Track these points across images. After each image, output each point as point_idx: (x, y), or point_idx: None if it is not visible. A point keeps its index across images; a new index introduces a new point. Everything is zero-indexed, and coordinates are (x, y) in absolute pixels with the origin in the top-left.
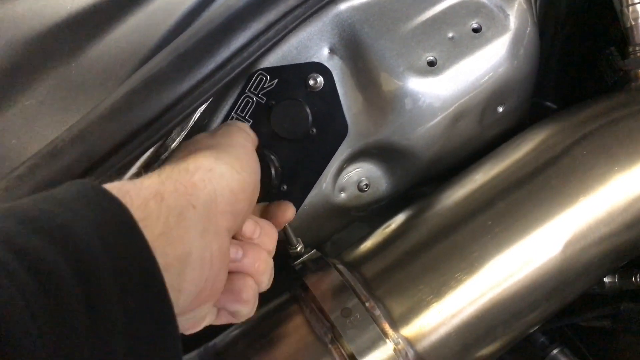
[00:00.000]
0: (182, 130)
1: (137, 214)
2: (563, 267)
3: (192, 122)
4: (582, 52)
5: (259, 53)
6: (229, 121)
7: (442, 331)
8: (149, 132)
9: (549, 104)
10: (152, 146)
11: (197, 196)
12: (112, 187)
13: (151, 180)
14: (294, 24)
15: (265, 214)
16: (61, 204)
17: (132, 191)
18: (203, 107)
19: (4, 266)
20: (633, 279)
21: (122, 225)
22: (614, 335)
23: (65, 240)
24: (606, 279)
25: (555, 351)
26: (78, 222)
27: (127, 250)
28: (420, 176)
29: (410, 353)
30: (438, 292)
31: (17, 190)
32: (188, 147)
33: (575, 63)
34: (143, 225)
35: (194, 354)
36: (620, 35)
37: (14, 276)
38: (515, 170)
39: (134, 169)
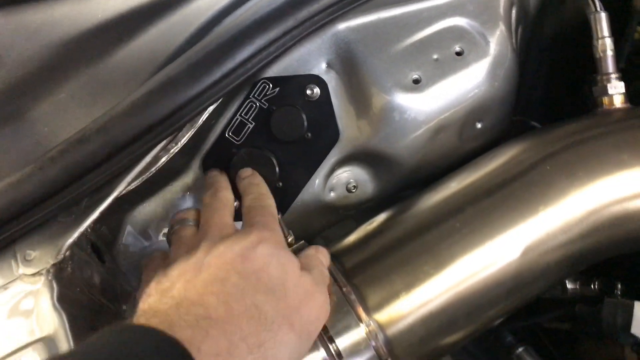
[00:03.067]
0: (191, 127)
1: None
2: (522, 269)
3: (200, 122)
4: (567, 77)
5: (260, 65)
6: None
7: (410, 319)
8: (163, 127)
9: (534, 123)
10: (165, 139)
11: None
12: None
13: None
14: (292, 42)
15: None
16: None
17: None
18: (211, 108)
19: None
20: (592, 286)
21: None
22: (579, 339)
23: None
24: (568, 285)
25: (520, 349)
26: None
27: None
28: (404, 181)
29: (381, 336)
30: (408, 284)
31: (49, 170)
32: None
33: (560, 86)
34: None
35: None
36: None
37: None
38: (486, 181)
39: (148, 158)
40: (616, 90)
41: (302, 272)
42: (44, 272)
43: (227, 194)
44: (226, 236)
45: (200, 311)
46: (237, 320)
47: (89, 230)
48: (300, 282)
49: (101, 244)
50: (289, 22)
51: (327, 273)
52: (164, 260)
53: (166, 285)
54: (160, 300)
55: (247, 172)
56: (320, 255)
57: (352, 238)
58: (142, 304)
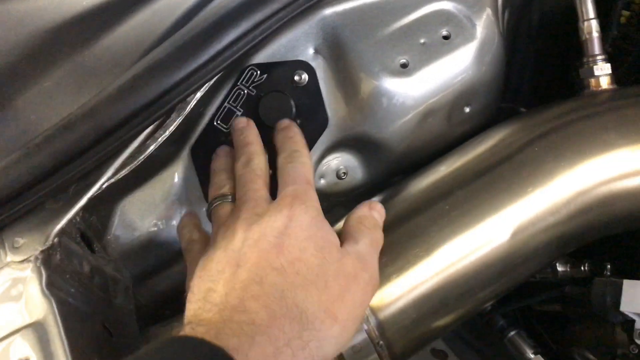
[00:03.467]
0: (179, 116)
1: None
2: (511, 251)
3: (188, 109)
4: (555, 62)
5: (246, 48)
6: None
7: (402, 302)
8: (150, 111)
9: (523, 109)
10: (152, 124)
11: None
12: None
13: None
14: (278, 24)
15: None
16: None
17: None
18: (198, 95)
19: None
20: (582, 268)
21: None
22: (570, 321)
23: None
24: (559, 268)
25: (512, 333)
26: None
27: None
28: (394, 167)
29: (372, 319)
30: (399, 268)
31: (36, 156)
32: None
33: (548, 72)
34: None
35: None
36: None
37: None
38: (475, 164)
39: (136, 143)
40: (602, 71)
41: (343, 252)
42: (32, 258)
43: (259, 161)
44: (261, 214)
45: (244, 317)
46: (280, 323)
47: (78, 219)
48: (341, 267)
49: (91, 233)
50: (275, 5)
51: (379, 236)
52: (204, 244)
53: (208, 285)
54: (203, 307)
55: (284, 123)
56: (374, 214)
57: (342, 224)
58: (188, 310)
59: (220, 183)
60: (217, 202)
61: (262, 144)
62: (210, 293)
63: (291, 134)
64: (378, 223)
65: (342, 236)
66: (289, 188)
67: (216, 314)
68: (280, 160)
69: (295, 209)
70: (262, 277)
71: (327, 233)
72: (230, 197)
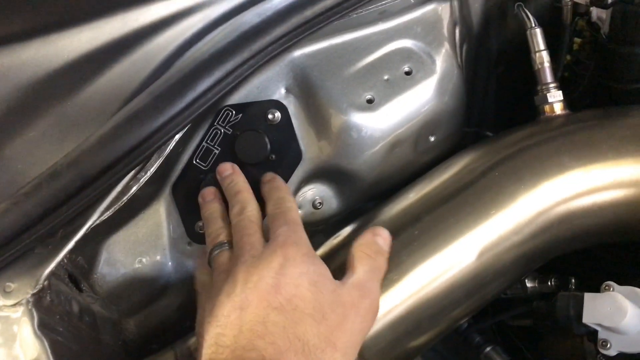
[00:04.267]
0: (159, 157)
1: None
2: (479, 270)
3: (168, 151)
4: (515, 88)
5: (219, 95)
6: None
7: (378, 326)
8: (130, 158)
9: (488, 133)
10: (133, 170)
11: None
12: None
13: None
14: (249, 72)
15: None
16: None
17: None
18: (177, 137)
19: None
20: (549, 283)
21: None
22: (542, 335)
23: None
24: (528, 284)
25: (488, 349)
26: None
27: None
28: (366, 195)
29: None
30: None
31: (25, 204)
32: None
33: (509, 97)
34: None
35: (168, 350)
36: None
37: None
38: (441, 190)
39: (118, 188)
40: (555, 98)
41: (339, 284)
42: (23, 302)
43: (252, 208)
44: (257, 256)
45: (254, 355)
46: (287, 357)
47: (65, 260)
48: (337, 297)
49: (78, 273)
50: (244, 54)
51: (381, 263)
52: (210, 288)
53: (217, 330)
54: (216, 350)
55: (268, 177)
56: (378, 240)
57: (320, 252)
58: (203, 355)
59: (216, 232)
60: (217, 251)
61: (250, 189)
62: (221, 337)
63: (276, 185)
64: (381, 249)
65: (345, 265)
66: (280, 230)
67: (229, 355)
68: (270, 207)
69: (288, 249)
70: (264, 317)
71: (319, 267)
72: (227, 244)
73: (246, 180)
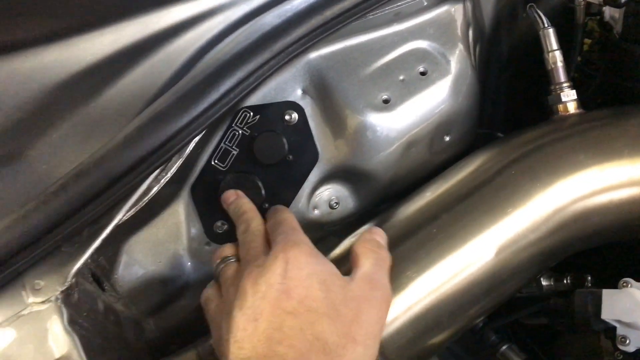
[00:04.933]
0: (179, 158)
1: None
2: (497, 268)
3: (188, 151)
4: (527, 89)
5: (242, 95)
6: None
7: (398, 322)
8: (155, 157)
9: (500, 134)
10: (157, 169)
11: None
12: None
13: None
14: (270, 72)
15: None
16: None
17: None
18: (197, 139)
19: None
20: (565, 281)
21: None
22: (558, 333)
23: None
24: (544, 282)
25: (504, 347)
26: None
27: None
28: (382, 195)
29: None
30: (393, 290)
31: (53, 203)
32: None
33: (521, 99)
34: None
35: (189, 348)
36: None
37: None
38: (457, 189)
39: (143, 187)
40: (569, 97)
41: (348, 279)
42: (52, 299)
43: (257, 224)
44: (261, 264)
45: None
46: (308, 357)
47: (89, 260)
48: (348, 292)
49: (100, 273)
50: (266, 54)
51: (384, 255)
52: (220, 303)
53: (236, 345)
54: None
55: (273, 210)
56: (375, 236)
57: (336, 252)
58: None
59: (222, 248)
60: (222, 265)
61: (255, 208)
62: (240, 351)
63: (275, 208)
64: (381, 243)
65: (350, 264)
66: (279, 237)
67: None
68: (268, 224)
69: (289, 251)
70: (279, 324)
71: (325, 265)
72: (232, 257)
73: (250, 202)
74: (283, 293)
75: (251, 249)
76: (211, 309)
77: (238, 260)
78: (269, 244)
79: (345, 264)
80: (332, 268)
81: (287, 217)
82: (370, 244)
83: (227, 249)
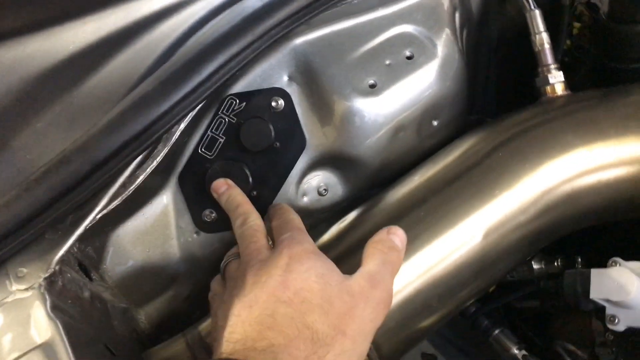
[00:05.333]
0: (165, 146)
1: None
2: (486, 250)
3: (173, 140)
4: (518, 73)
5: (224, 78)
6: None
7: None
8: (138, 142)
9: (489, 120)
10: (141, 154)
11: None
12: None
13: None
14: (253, 55)
15: None
16: None
17: None
18: (182, 126)
19: None
20: (555, 263)
21: None
22: (550, 316)
23: None
24: (534, 266)
25: (496, 332)
26: None
27: None
28: (371, 181)
29: None
30: None
31: (35, 190)
32: None
33: (512, 82)
34: None
35: (179, 337)
36: None
37: None
38: (446, 172)
39: (126, 173)
40: (556, 79)
41: (348, 276)
42: (35, 286)
43: (254, 218)
44: (264, 259)
45: (264, 343)
46: (296, 344)
47: (75, 250)
48: (345, 287)
49: (88, 264)
50: (248, 37)
51: (394, 258)
52: (223, 295)
53: (229, 330)
54: (227, 346)
55: (271, 205)
56: (393, 237)
57: (325, 237)
58: (217, 354)
59: (232, 249)
60: (227, 261)
61: (249, 201)
62: (232, 335)
63: (278, 206)
64: (395, 246)
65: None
66: (284, 236)
67: (240, 346)
68: (273, 222)
69: (293, 248)
70: (273, 311)
71: (326, 262)
72: (237, 255)
73: (242, 193)
74: (281, 284)
75: (252, 244)
76: (215, 303)
77: (239, 257)
78: (267, 239)
79: (350, 261)
80: (332, 265)
81: (294, 218)
82: (382, 245)
83: (234, 248)
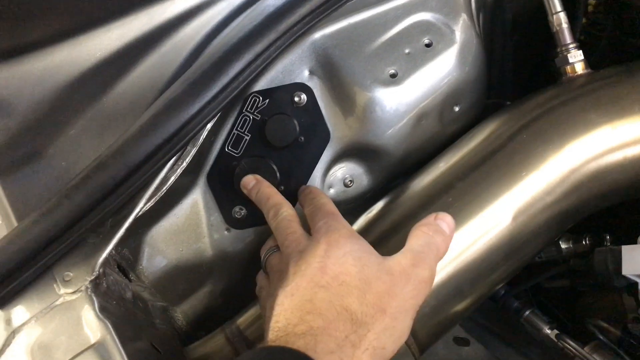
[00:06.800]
0: (193, 147)
1: None
2: (515, 233)
3: (201, 140)
4: (534, 55)
5: (251, 77)
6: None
7: None
8: (171, 144)
9: (508, 103)
10: (174, 157)
11: None
12: None
13: None
14: (277, 53)
15: None
16: None
17: None
18: (209, 126)
19: None
20: (583, 242)
21: None
22: (580, 295)
23: None
24: (563, 245)
25: (527, 312)
26: None
27: None
28: (396, 170)
29: None
30: None
31: (76, 196)
32: None
33: (528, 65)
34: None
35: (218, 332)
36: None
37: None
38: (470, 157)
39: (161, 175)
40: (576, 58)
41: (385, 258)
42: (82, 288)
43: (287, 208)
44: (303, 249)
45: (304, 327)
46: (334, 325)
47: (113, 252)
48: (384, 267)
49: (125, 265)
50: (271, 35)
51: (439, 240)
52: (269, 289)
53: (274, 319)
54: (270, 335)
55: (301, 189)
56: (440, 222)
57: (354, 227)
58: (263, 343)
59: (266, 242)
60: (267, 255)
61: (278, 192)
62: (276, 324)
63: (308, 190)
64: (441, 230)
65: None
66: (320, 223)
67: (282, 333)
68: (306, 209)
69: (330, 235)
70: (311, 296)
71: (363, 245)
72: (275, 247)
73: (271, 185)
74: (319, 270)
75: (290, 235)
76: (262, 296)
77: (279, 249)
78: (302, 226)
79: (383, 248)
80: (370, 248)
81: (326, 202)
82: (428, 228)
83: (270, 241)
